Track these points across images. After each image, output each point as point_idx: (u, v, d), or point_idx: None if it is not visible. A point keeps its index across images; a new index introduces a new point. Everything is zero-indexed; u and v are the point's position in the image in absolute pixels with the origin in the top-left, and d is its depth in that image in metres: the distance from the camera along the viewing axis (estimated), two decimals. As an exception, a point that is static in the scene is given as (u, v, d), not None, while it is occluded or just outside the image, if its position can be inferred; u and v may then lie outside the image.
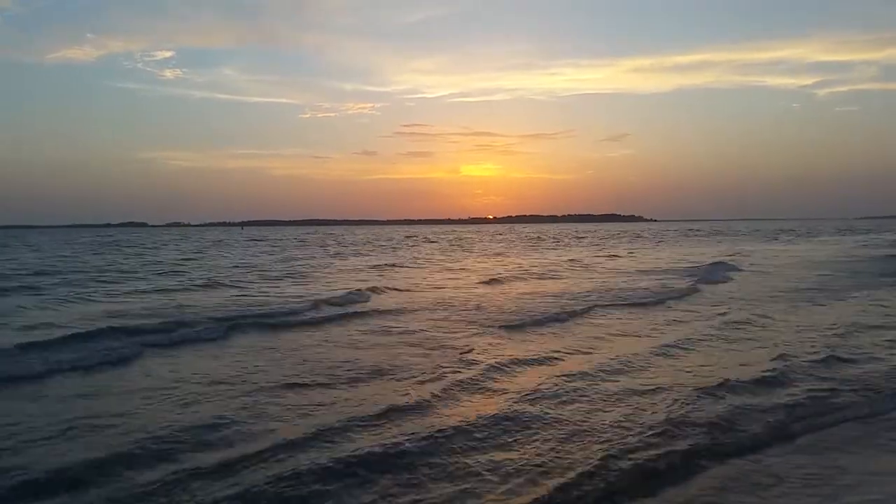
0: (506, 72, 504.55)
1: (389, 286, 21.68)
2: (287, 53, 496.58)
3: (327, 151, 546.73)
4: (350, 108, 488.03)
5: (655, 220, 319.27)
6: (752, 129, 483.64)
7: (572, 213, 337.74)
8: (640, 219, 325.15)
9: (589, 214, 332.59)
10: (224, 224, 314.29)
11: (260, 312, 15.15)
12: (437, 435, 6.35)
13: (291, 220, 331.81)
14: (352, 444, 6.18)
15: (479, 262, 36.06)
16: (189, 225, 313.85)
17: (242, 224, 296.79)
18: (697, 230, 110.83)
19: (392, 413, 7.09)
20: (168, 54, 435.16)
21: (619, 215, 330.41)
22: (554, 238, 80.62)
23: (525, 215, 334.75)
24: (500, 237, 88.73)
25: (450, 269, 30.80)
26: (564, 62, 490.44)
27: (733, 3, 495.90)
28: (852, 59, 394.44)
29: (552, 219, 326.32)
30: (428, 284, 23.03)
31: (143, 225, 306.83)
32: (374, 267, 31.95)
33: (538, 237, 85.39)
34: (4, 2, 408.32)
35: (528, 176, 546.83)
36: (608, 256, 39.38)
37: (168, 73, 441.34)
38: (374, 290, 20.18)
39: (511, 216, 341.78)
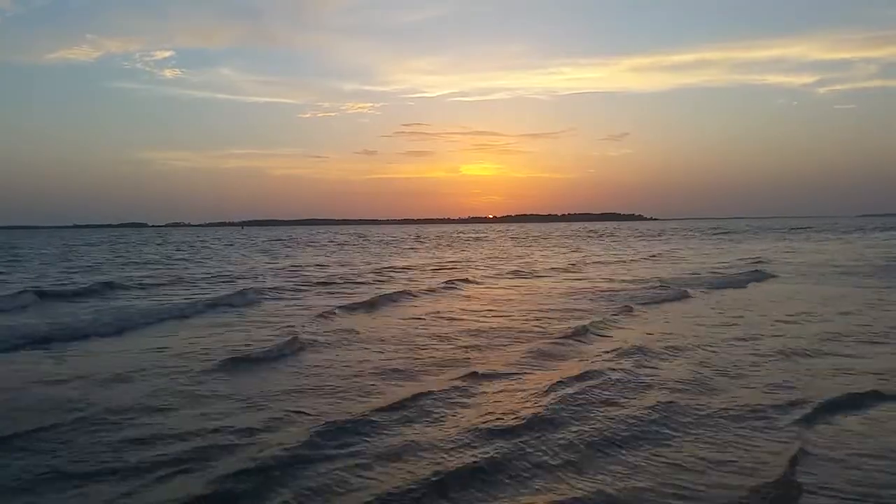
0: (505, 71, 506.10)
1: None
2: (286, 53, 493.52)
3: (327, 151, 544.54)
4: (350, 108, 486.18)
5: (656, 219, 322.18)
6: (752, 127, 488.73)
7: (572, 213, 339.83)
8: (640, 217, 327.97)
9: (589, 213, 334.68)
10: (223, 224, 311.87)
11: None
12: None
13: (291, 219, 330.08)
14: None
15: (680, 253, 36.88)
16: (189, 225, 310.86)
17: (242, 224, 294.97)
18: (769, 227, 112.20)
19: None
20: (167, 54, 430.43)
21: (620, 214, 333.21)
22: (611, 236, 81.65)
23: (525, 214, 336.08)
24: (547, 235, 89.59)
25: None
26: (563, 61, 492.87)
27: (732, 1, 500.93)
28: (852, 58, 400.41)
29: (552, 218, 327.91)
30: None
31: (144, 225, 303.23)
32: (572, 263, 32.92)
33: (602, 234, 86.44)
34: (3, 2, 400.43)
35: (528, 175, 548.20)
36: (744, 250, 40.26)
37: (167, 73, 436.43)
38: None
39: (511, 215, 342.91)
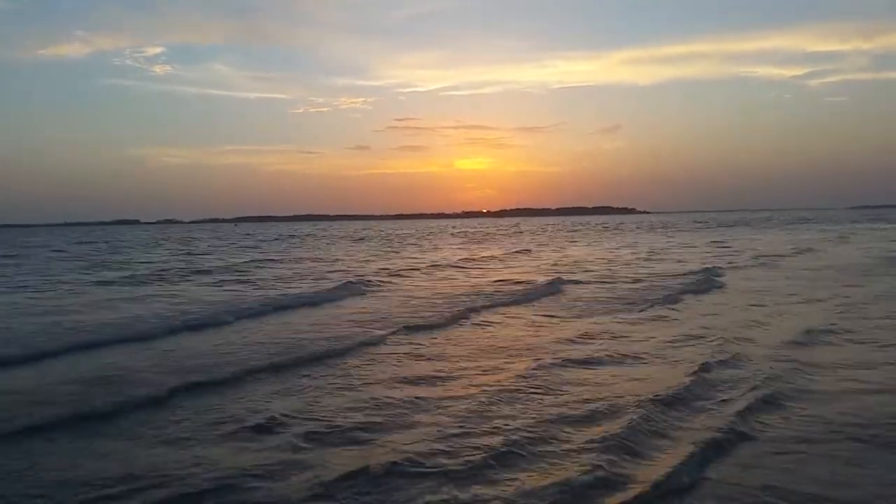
0: (497, 65, 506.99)
1: None
2: (278, 49, 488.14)
3: (320, 146, 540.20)
4: (342, 103, 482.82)
5: (648, 213, 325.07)
6: (744, 119, 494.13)
7: (566, 206, 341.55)
8: (633, 211, 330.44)
9: (583, 207, 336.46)
10: (216, 220, 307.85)
11: None
12: None
13: (284, 215, 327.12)
14: None
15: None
16: (181, 222, 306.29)
17: (235, 220, 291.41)
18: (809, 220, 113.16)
19: None
20: (158, 50, 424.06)
21: (613, 207, 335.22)
22: (652, 230, 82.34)
23: (519, 208, 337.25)
24: (584, 229, 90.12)
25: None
26: (555, 54, 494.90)
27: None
28: (843, 49, 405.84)
29: (546, 212, 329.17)
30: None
31: (136, 222, 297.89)
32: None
33: (654, 228, 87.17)
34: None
35: (521, 169, 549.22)
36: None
37: (158, 69, 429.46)
38: None
39: (505, 209, 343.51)
